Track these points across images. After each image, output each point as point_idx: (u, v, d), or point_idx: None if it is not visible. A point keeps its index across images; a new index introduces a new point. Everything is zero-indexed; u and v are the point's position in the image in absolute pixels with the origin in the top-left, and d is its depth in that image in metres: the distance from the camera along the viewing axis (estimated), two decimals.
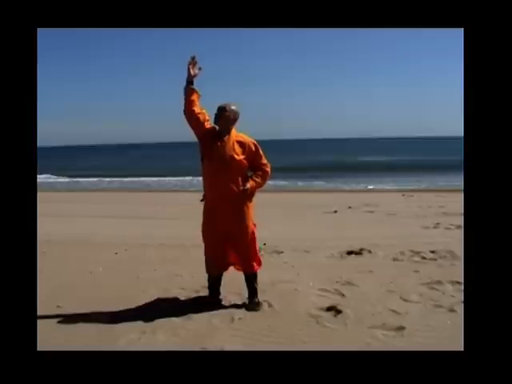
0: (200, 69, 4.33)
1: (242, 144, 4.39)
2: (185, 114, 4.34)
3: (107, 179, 28.08)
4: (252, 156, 4.43)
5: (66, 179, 28.39)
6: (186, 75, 4.30)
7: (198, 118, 4.33)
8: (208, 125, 4.39)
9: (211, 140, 4.35)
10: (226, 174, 4.30)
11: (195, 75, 4.32)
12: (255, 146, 4.46)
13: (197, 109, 4.33)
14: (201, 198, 4.50)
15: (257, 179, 4.45)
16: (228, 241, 4.46)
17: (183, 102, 4.33)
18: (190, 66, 4.29)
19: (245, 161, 4.37)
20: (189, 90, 4.30)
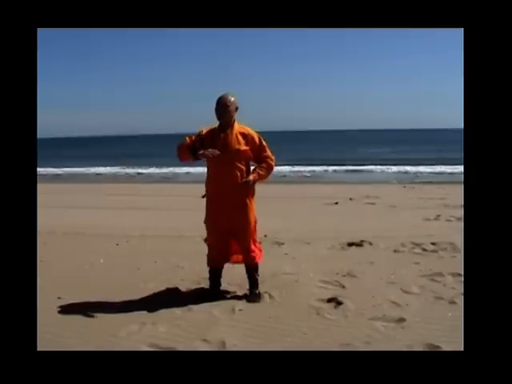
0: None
1: (245, 136, 4.37)
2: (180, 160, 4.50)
3: (106, 170, 28.08)
4: (256, 148, 4.41)
5: (64, 170, 28.31)
6: (198, 150, 4.26)
7: (191, 150, 4.33)
8: (199, 137, 4.37)
9: (212, 137, 4.34)
10: (229, 165, 4.29)
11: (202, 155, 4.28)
12: (259, 138, 4.44)
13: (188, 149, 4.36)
14: (203, 193, 4.49)
15: (260, 172, 4.43)
16: (230, 233, 4.45)
17: (178, 152, 4.40)
18: (206, 154, 4.23)
19: (249, 152, 4.36)
20: (192, 158, 4.36)
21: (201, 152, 4.23)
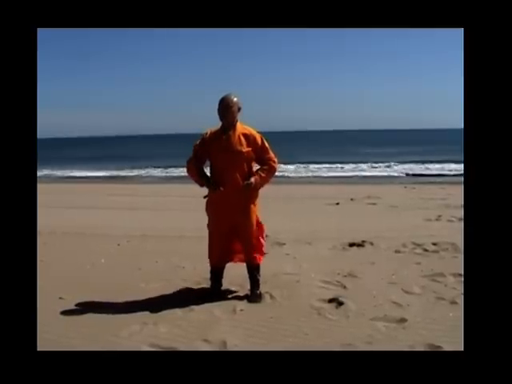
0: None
1: (247, 136, 4.35)
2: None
3: (106, 170, 28.11)
4: (258, 149, 4.39)
5: (64, 170, 28.30)
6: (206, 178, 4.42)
7: (198, 162, 4.44)
8: (203, 141, 4.42)
9: (215, 138, 4.35)
10: (232, 166, 4.27)
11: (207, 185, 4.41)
12: (261, 139, 4.41)
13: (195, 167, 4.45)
14: (204, 194, 4.49)
15: (262, 174, 4.40)
16: (233, 233, 4.45)
17: (188, 172, 4.51)
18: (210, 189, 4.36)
19: (252, 152, 4.35)
20: (199, 183, 4.47)
21: (207, 184, 4.38)
